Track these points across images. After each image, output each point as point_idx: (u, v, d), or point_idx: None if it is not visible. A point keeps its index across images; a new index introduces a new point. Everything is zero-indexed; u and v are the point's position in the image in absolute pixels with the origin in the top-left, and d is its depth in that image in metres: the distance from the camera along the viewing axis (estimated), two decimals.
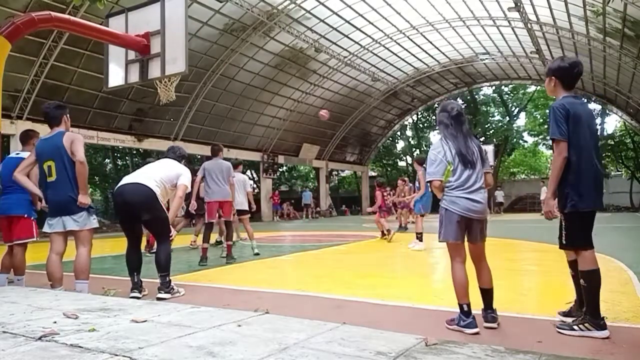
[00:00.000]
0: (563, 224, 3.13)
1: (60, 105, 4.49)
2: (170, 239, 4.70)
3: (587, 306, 3.03)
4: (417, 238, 8.36)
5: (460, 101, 33.90)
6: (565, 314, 3.33)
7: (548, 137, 3.04)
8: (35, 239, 4.69)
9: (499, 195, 28.11)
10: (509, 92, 37.53)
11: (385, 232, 10.44)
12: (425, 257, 7.57)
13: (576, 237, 3.08)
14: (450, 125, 3.36)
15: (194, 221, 10.08)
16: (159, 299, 4.31)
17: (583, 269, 3.05)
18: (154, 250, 7.30)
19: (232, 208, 7.25)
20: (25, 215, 4.62)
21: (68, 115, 4.46)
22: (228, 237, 7.32)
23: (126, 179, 4.54)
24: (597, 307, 2.99)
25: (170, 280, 4.52)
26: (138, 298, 4.32)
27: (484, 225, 3.33)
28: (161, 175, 4.58)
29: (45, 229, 4.29)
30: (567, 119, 3.04)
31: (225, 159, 7.54)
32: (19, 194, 4.58)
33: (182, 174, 4.72)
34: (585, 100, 27.12)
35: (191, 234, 9.56)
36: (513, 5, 18.09)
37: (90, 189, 34.51)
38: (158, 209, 4.46)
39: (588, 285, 3.02)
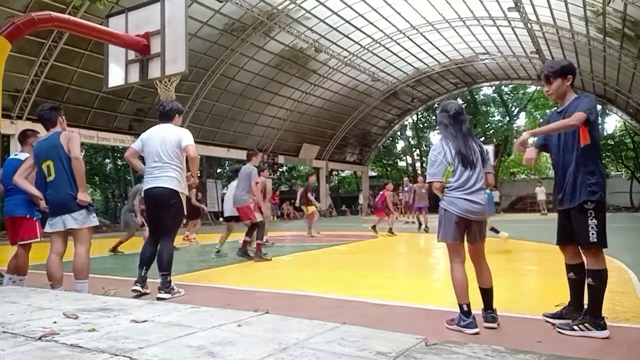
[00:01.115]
0: (592, 220, 2.95)
1: (55, 107, 4.49)
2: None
3: (589, 306, 3.01)
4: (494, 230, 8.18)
5: (460, 101, 33.91)
6: (554, 316, 3.27)
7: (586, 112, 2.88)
8: (38, 239, 4.70)
9: (495, 195, 28.07)
10: (509, 92, 37.53)
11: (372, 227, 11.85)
12: (426, 257, 7.58)
13: (604, 234, 2.96)
14: (449, 125, 3.35)
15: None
16: (159, 298, 4.31)
17: (595, 268, 2.98)
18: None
19: (249, 212, 7.27)
20: (28, 216, 4.63)
21: (63, 117, 4.47)
22: (252, 235, 7.50)
23: (151, 182, 4.57)
24: (599, 308, 2.98)
25: (170, 281, 4.53)
26: (139, 292, 4.39)
27: (483, 226, 3.33)
28: (174, 164, 4.55)
29: (47, 229, 4.31)
30: (596, 116, 3.06)
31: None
32: (21, 194, 4.58)
33: (181, 137, 4.60)
34: None
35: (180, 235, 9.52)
36: (513, 5, 18.11)
37: (90, 189, 34.55)
38: (178, 206, 4.59)
39: (596, 284, 2.97)
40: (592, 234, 2.94)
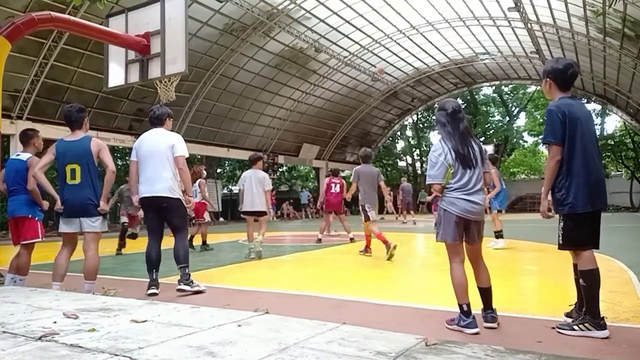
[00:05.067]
0: (560, 224, 3.14)
1: (82, 108, 4.58)
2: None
3: (586, 306, 3.02)
4: (497, 236, 8.15)
5: (460, 101, 33.91)
6: (568, 315, 3.33)
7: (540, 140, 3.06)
8: (40, 240, 4.70)
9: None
10: (509, 92, 37.57)
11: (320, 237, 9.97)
12: (426, 257, 7.58)
13: (572, 237, 3.08)
14: (447, 124, 3.32)
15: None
16: (179, 290, 4.48)
17: (582, 268, 3.06)
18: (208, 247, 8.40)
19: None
20: (30, 216, 4.64)
21: (87, 118, 4.61)
22: None
23: (143, 190, 4.61)
24: (596, 307, 2.99)
25: (189, 273, 4.63)
26: (156, 294, 4.45)
27: (481, 226, 3.33)
28: (169, 169, 4.59)
29: (62, 229, 4.40)
30: (563, 122, 3.03)
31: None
32: (23, 194, 4.59)
33: (173, 144, 4.64)
34: (585, 101, 27.13)
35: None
36: (513, 5, 18.09)
37: None
38: (179, 207, 4.67)
39: (587, 285, 3.02)
40: (558, 237, 3.15)
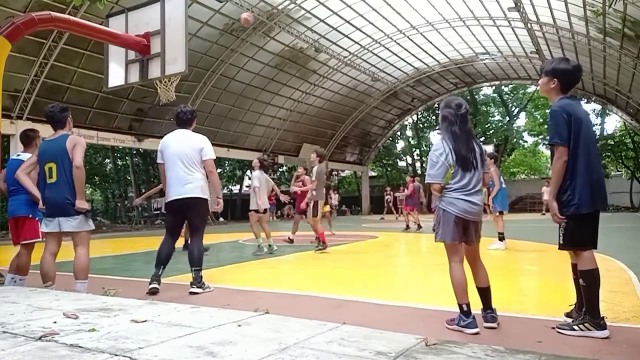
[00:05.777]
0: (561, 224, 3.11)
1: (65, 108, 4.55)
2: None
3: (586, 306, 3.02)
4: (499, 238, 8.08)
5: None
6: (568, 315, 3.32)
7: (547, 141, 3.03)
8: (41, 239, 4.70)
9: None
10: (509, 92, 37.60)
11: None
12: (425, 257, 7.57)
13: (573, 237, 3.07)
14: (455, 123, 3.29)
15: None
16: (191, 293, 4.47)
17: (582, 268, 3.05)
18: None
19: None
20: (30, 216, 4.64)
21: (70, 118, 4.56)
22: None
23: (174, 192, 4.64)
24: (596, 307, 2.99)
25: (202, 276, 4.64)
26: (157, 289, 4.46)
27: (479, 226, 3.33)
28: (199, 172, 4.67)
29: (42, 228, 4.39)
30: (568, 122, 3.01)
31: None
32: (24, 194, 4.59)
33: (203, 147, 4.76)
34: (585, 101, 27.15)
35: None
36: (513, 5, 18.10)
37: (90, 189, 34.44)
38: (202, 208, 4.74)
39: (587, 285, 3.02)
40: (559, 237, 3.13)
